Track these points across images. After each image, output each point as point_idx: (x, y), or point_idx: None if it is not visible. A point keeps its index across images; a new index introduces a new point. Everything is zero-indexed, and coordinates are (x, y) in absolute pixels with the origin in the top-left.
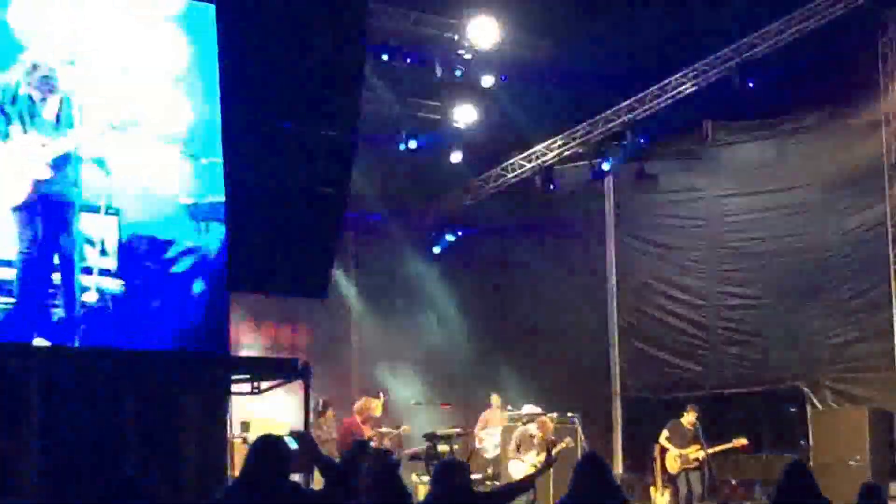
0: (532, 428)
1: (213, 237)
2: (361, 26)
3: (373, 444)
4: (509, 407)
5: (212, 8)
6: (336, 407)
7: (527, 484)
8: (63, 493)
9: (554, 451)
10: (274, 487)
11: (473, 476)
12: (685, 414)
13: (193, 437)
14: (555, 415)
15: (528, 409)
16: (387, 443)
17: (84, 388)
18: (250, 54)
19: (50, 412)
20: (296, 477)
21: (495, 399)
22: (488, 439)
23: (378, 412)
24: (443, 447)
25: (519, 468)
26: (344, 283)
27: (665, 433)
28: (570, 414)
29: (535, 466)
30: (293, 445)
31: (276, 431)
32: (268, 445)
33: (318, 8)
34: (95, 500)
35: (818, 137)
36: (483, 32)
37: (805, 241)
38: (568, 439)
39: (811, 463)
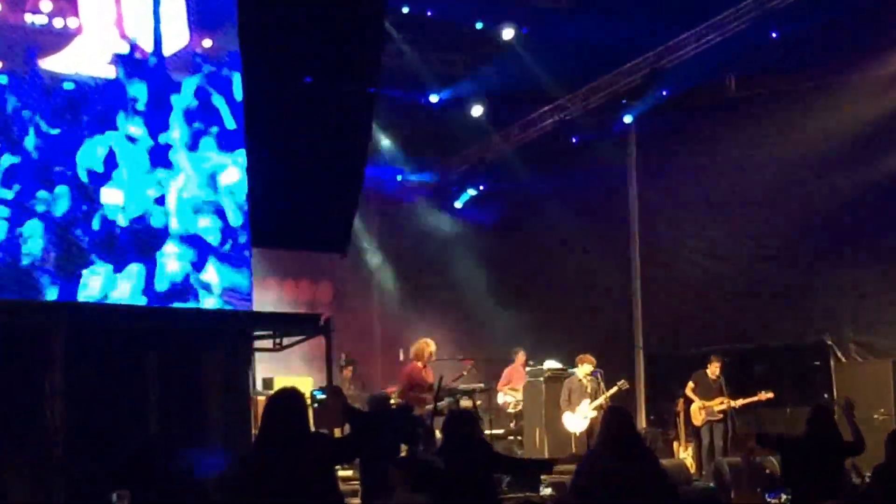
0: (580, 376)
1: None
2: None
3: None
4: (531, 362)
5: None
6: (359, 362)
7: (549, 466)
8: (87, 450)
9: (611, 393)
10: (294, 437)
11: (495, 431)
12: (709, 365)
13: (217, 393)
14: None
15: (550, 364)
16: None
17: (107, 344)
18: (270, 9)
19: (73, 369)
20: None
21: (520, 355)
22: (512, 395)
23: (431, 350)
24: (465, 402)
25: (572, 419)
26: (365, 237)
27: (691, 384)
28: (593, 369)
29: (588, 416)
30: (321, 396)
31: (299, 387)
32: (284, 397)
33: None
34: (119, 457)
35: (842, 89)
36: None
37: (829, 194)
38: (622, 381)
39: (835, 417)
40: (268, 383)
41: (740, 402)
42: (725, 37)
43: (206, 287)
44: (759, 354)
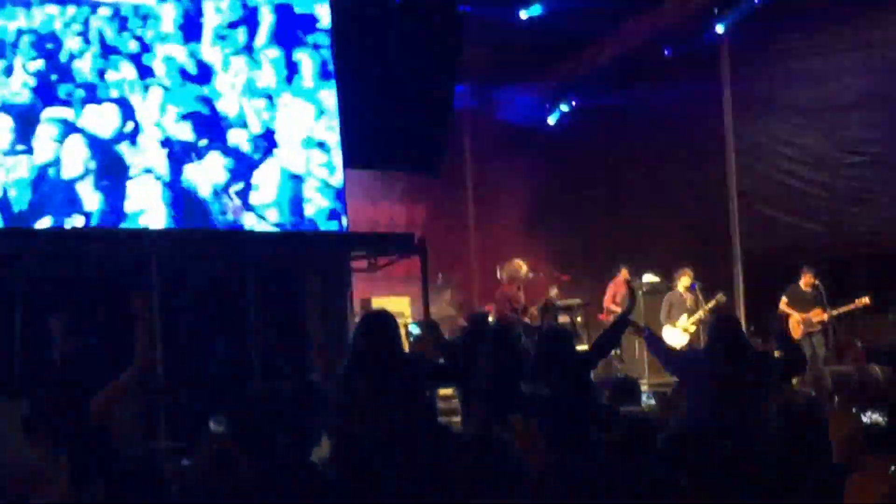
0: (680, 289)
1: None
2: None
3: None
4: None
5: None
6: (456, 282)
7: (624, 321)
8: (187, 376)
9: (709, 306)
10: (385, 360)
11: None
12: (802, 277)
13: (316, 315)
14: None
15: (648, 278)
16: (534, 311)
17: (204, 270)
18: None
19: (170, 296)
20: None
21: (623, 271)
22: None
23: (524, 270)
24: (563, 318)
25: (673, 334)
26: (458, 156)
27: (784, 299)
28: (691, 281)
29: (687, 330)
30: (417, 331)
31: (396, 308)
32: (373, 320)
33: None
34: (218, 382)
35: None
36: None
37: None
38: (720, 295)
39: None
40: (365, 304)
41: (837, 311)
42: None
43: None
44: (860, 261)
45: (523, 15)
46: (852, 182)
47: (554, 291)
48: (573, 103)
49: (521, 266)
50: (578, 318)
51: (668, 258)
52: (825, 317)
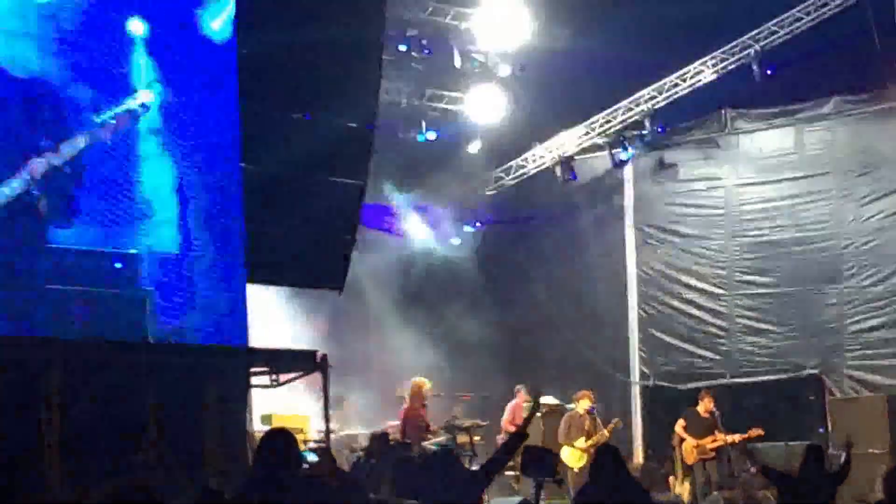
0: (580, 411)
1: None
2: (380, 17)
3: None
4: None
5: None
6: (357, 399)
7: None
8: (83, 485)
9: (607, 431)
10: (285, 478)
11: None
12: (700, 402)
13: (214, 429)
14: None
15: (546, 400)
16: (435, 428)
17: (104, 380)
18: (268, 45)
19: (71, 405)
20: None
21: (521, 393)
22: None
23: (426, 388)
24: (462, 438)
25: (571, 455)
26: (362, 273)
27: (681, 422)
28: (591, 405)
29: (586, 451)
30: (312, 458)
31: (296, 425)
32: (277, 438)
33: None
34: (115, 493)
35: (836, 124)
36: (501, 22)
37: (824, 229)
38: (617, 420)
39: (830, 451)
40: (266, 419)
41: (731, 438)
42: (721, 73)
43: None
44: (754, 389)
45: (431, 136)
46: (749, 312)
47: (457, 411)
48: (478, 224)
49: (424, 384)
50: (477, 438)
51: (569, 381)
52: (721, 442)
